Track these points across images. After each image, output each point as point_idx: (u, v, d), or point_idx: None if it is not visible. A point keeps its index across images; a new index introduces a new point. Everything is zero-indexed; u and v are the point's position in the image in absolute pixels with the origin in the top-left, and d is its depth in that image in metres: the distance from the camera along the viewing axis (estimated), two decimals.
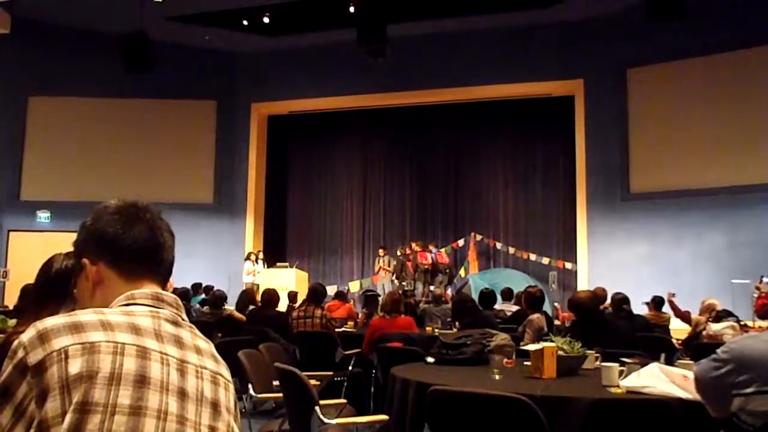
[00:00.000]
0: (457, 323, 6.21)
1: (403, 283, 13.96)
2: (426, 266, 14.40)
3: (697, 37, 12.06)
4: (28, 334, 1.09)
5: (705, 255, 12.02)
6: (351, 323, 8.45)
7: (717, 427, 2.37)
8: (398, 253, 14.85)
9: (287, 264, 14.55)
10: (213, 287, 10.80)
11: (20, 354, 1.08)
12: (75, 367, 1.06)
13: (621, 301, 7.35)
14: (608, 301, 8.09)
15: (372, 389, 5.89)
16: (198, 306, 9.79)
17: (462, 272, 15.14)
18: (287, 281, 13.09)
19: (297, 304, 8.66)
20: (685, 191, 12.35)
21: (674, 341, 6.90)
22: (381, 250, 15.50)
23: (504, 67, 13.96)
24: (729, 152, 12.08)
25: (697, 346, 6.03)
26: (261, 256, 14.52)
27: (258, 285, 13.11)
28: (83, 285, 1.32)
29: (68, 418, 1.04)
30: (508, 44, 13.88)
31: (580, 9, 13.13)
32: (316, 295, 7.16)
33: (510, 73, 14.00)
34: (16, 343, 1.10)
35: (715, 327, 6.75)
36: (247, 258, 14.26)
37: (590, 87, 13.67)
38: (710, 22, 11.99)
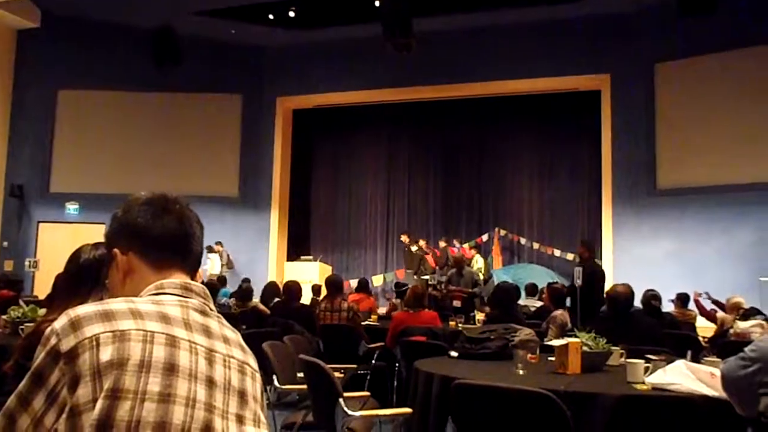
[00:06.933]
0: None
1: (423, 277, 13.93)
2: None
3: (725, 32, 11.85)
4: (60, 322, 1.12)
5: (733, 252, 11.83)
6: (375, 317, 8.47)
7: (744, 425, 2.34)
8: (413, 249, 14.75)
9: (311, 257, 14.62)
10: (249, 279, 10.90)
11: (53, 341, 1.10)
12: (106, 354, 1.08)
13: (651, 297, 7.28)
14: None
15: (395, 383, 5.90)
16: (225, 299, 9.87)
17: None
18: (311, 275, 13.18)
19: (321, 297, 8.69)
20: (713, 187, 12.14)
21: (701, 339, 6.83)
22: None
23: (530, 62, 13.82)
24: (758, 148, 11.86)
25: (724, 344, 5.97)
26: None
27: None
28: (114, 274, 1.34)
29: (99, 404, 1.05)
30: (535, 39, 13.74)
31: (607, 3, 12.98)
32: (336, 285, 7.14)
33: (536, 68, 13.86)
34: (48, 330, 1.12)
35: (742, 325, 6.67)
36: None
37: (617, 82, 13.49)
38: (738, 16, 11.79)
